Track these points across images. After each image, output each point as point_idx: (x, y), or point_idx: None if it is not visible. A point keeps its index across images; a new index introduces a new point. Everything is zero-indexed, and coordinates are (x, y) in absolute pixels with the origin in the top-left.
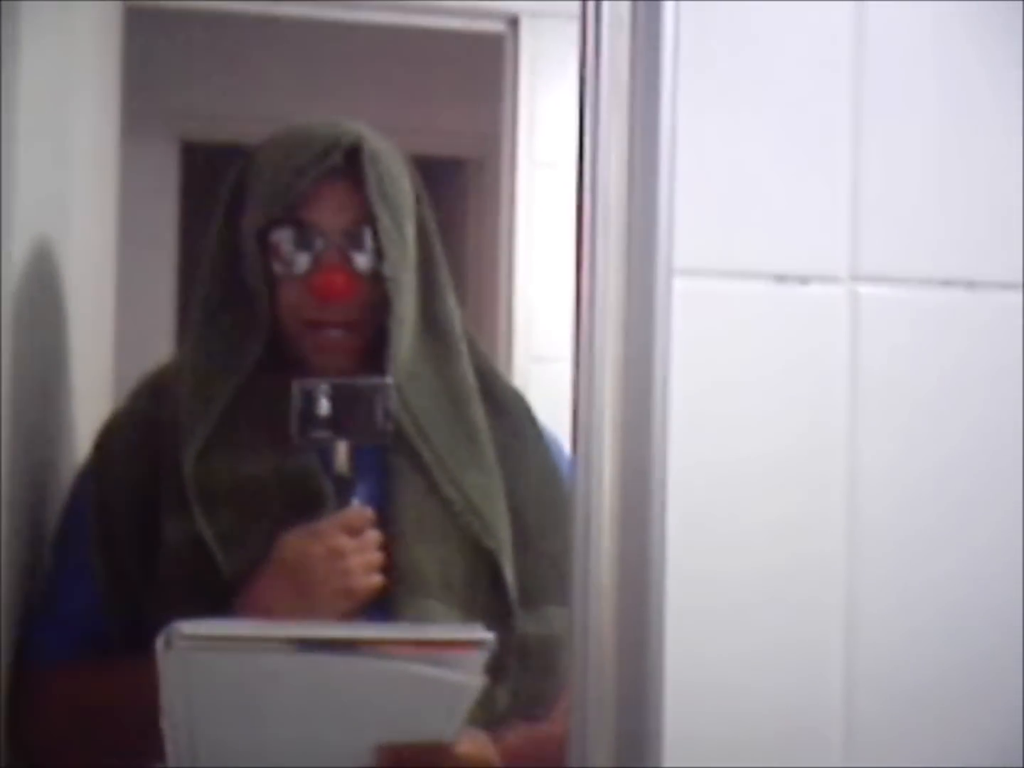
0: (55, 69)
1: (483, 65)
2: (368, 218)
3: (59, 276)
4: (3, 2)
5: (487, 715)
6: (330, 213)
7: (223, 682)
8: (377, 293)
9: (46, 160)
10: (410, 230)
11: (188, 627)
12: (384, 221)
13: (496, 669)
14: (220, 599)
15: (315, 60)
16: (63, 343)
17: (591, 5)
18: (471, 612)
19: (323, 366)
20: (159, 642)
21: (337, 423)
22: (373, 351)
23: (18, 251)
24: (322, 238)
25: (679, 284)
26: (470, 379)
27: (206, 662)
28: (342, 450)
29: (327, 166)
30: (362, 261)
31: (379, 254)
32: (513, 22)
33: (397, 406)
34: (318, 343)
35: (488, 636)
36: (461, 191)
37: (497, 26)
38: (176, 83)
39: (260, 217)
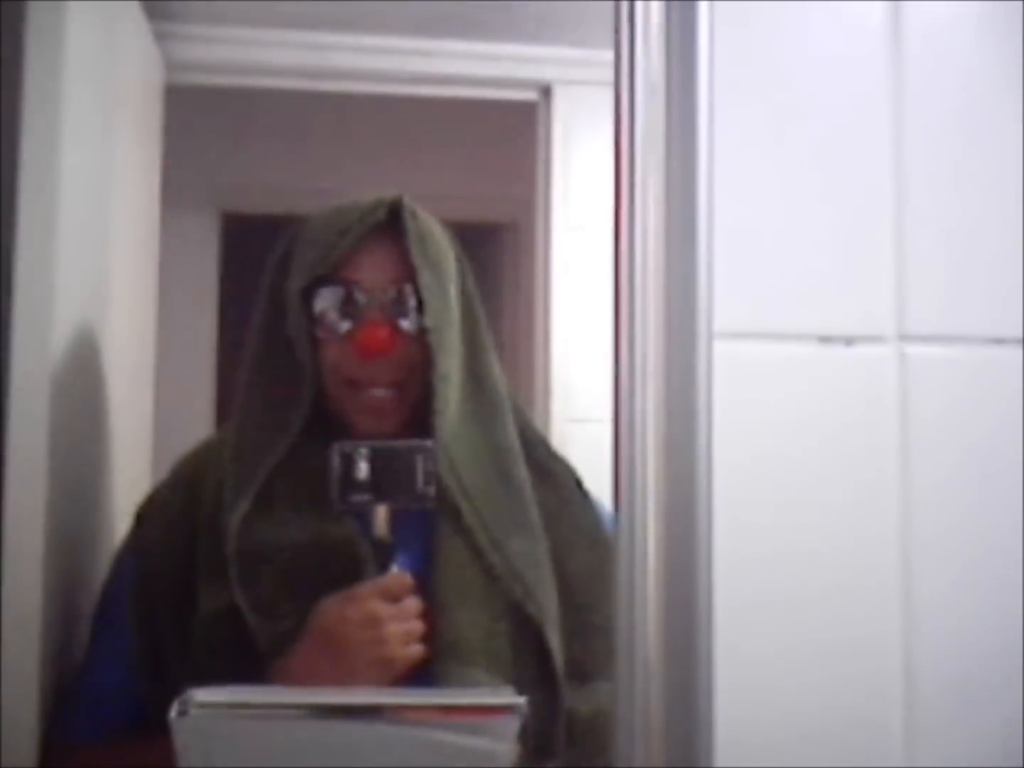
0: (96, 144)
1: (517, 133)
2: (410, 277)
3: (98, 359)
4: (46, 78)
5: None
6: (373, 272)
7: (240, 751)
8: (421, 353)
9: (87, 242)
10: (452, 290)
11: (203, 694)
12: (426, 277)
13: (544, 745)
14: (256, 670)
15: (354, 132)
16: (104, 422)
17: (624, 70)
18: (517, 682)
19: (367, 428)
20: (173, 710)
21: (377, 487)
22: (418, 413)
23: (60, 333)
24: (365, 297)
25: (720, 347)
26: (515, 442)
27: (222, 731)
28: (381, 514)
29: (370, 223)
30: (405, 323)
31: (421, 310)
32: (546, 91)
33: (443, 467)
34: (362, 403)
35: (519, 700)
36: (497, 256)
37: (530, 95)
38: (216, 156)
39: (305, 276)
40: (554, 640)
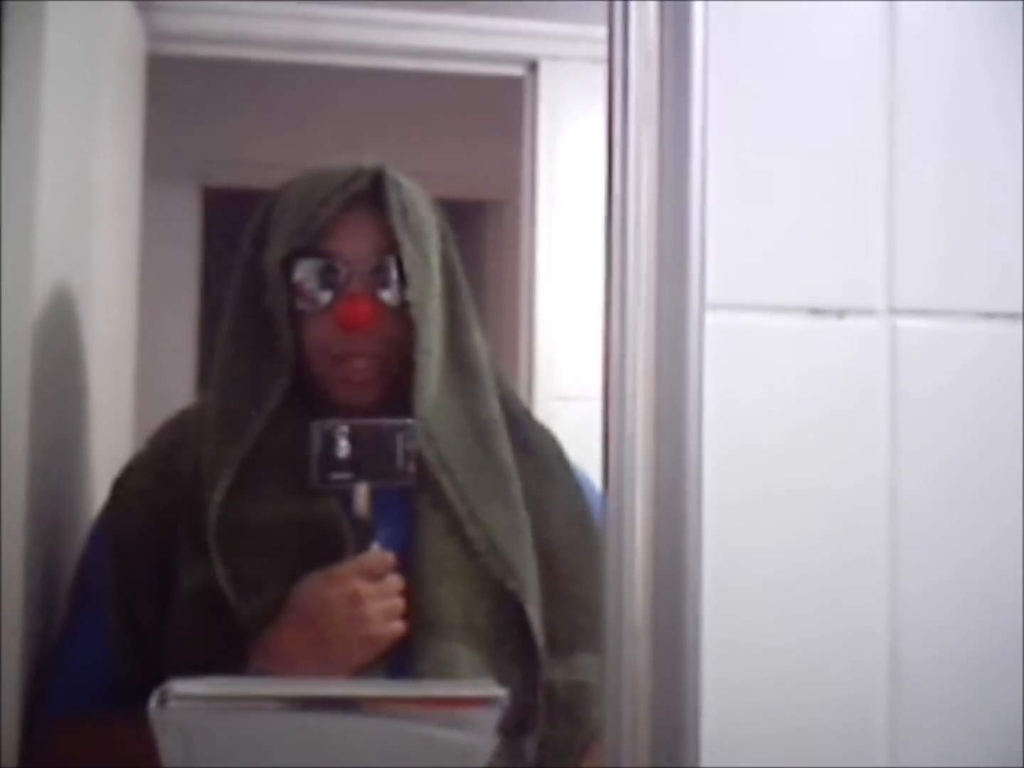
0: (77, 114)
1: (503, 109)
2: (392, 249)
3: (79, 324)
4: (27, 48)
5: (517, 765)
6: (354, 242)
7: (220, 742)
8: (403, 326)
9: (68, 206)
10: (435, 262)
11: (182, 686)
12: (408, 248)
13: (522, 718)
14: (236, 648)
15: (335, 105)
16: (83, 392)
17: (618, 41)
18: (497, 656)
19: (348, 403)
20: (152, 701)
21: (357, 465)
22: (399, 385)
23: (39, 298)
24: (346, 268)
25: (712, 319)
26: (497, 416)
27: (201, 722)
28: (362, 493)
29: (351, 192)
30: (387, 294)
31: (403, 282)
32: (532, 66)
33: (423, 442)
34: (342, 376)
35: (500, 692)
36: (482, 232)
37: (516, 70)
38: (197, 128)
39: (284, 247)
40: (534, 615)
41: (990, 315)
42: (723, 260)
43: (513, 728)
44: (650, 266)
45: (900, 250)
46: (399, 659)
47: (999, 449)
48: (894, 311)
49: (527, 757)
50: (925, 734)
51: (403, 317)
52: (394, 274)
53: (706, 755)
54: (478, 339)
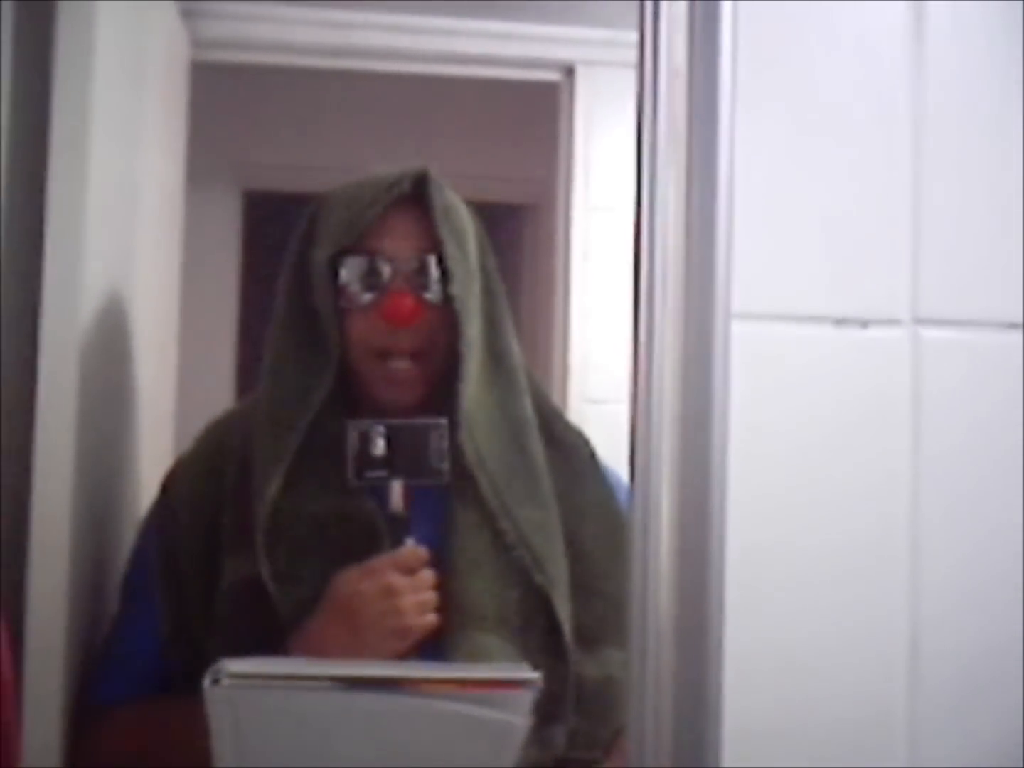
0: (124, 119)
1: (540, 113)
2: (434, 249)
3: (125, 325)
4: (78, 53)
5: (544, 755)
6: (398, 242)
7: (270, 719)
8: (443, 324)
9: (114, 209)
10: (474, 263)
11: (235, 665)
12: (450, 246)
13: (552, 709)
14: (277, 638)
15: (376, 111)
16: (129, 391)
17: (648, 53)
18: (527, 648)
19: (391, 400)
20: (206, 680)
21: (392, 463)
22: (439, 385)
23: (86, 300)
24: (390, 267)
25: (737, 328)
26: (530, 415)
27: (252, 700)
28: (396, 489)
29: (395, 194)
30: (428, 293)
31: (446, 279)
32: (569, 71)
33: (463, 435)
34: (386, 374)
35: (534, 676)
36: (517, 236)
37: (553, 75)
38: (239, 134)
39: (331, 246)
40: (562, 608)
41: (1012, 325)
42: (749, 270)
43: (543, 717)
44: (677, 275)
45: (924, 261)
46: (431, 650)
47: (1017, 455)
48: (918, 321)
49: (556, 746)
50: (945, 732)
51: (445, 316)
52: (435, 273)
53: (727, 753)
54: (513, 341)
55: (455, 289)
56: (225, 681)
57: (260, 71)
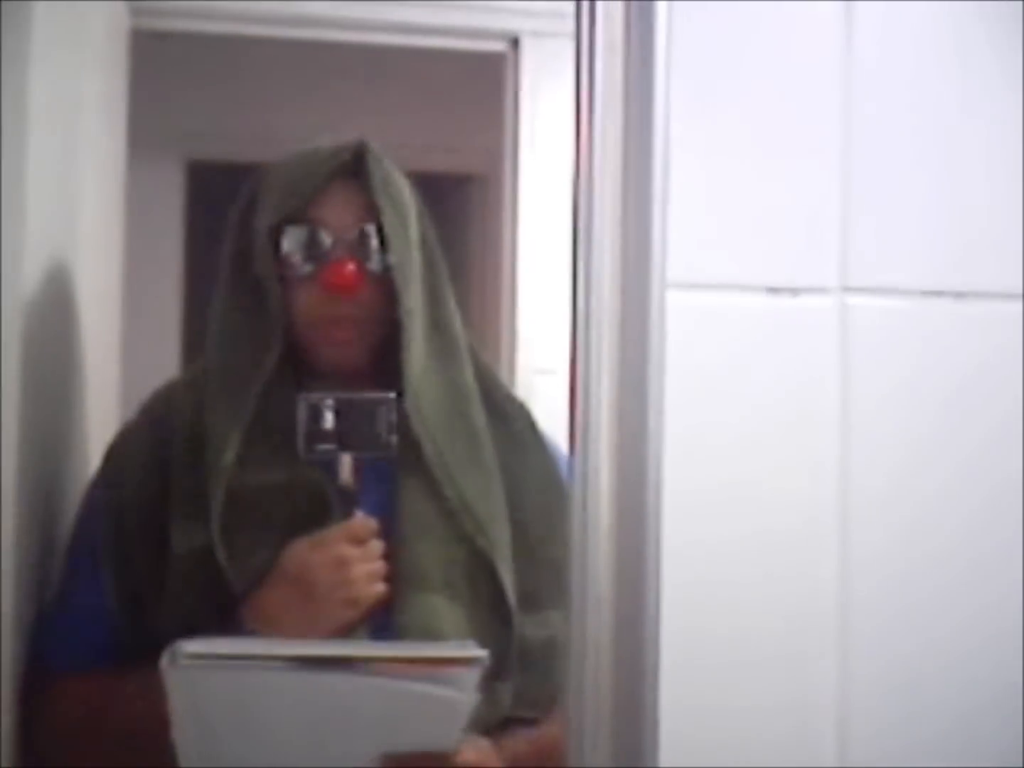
0: (63, 90)
1: (485, 84)
2: (373, 218)
3: (69, 295)
4: (13, 23)
5: (493, 711)
6: (338, 211)
7: (227, 698)
8: (385, 294)
9: (56, 180)
10: (414, 234)
11: (191, 646)
12: (388, 215)
13: (498, 667)
14: (228, 608)
15: (320, 80)
16: (74, 361)
17: (585, 29)
18: (473, 609)
19: (334, 367)
20: (164, 660)
21: (341, 437)
22: (382, 354)
23: (29, 271)
24: (331, 237)
25: (673, 297)
26: (472, 384)
27: (209, 679)
28: (346, 463)
29: (335, 165)
30: (369, 263)
31: (385, 249)
32: (514, 42)
33: (409, 403)
34: (329, 344)
35: (481, 653)
36: (464, 206)
37: (498, 46)
38: (181, 103)
39: (272, 216)
40: (505, 571)
41: (937, 293)
42: (684, 240)
43: (490, 674)
44: (614, 246)
45: (853, 231)
46: (382, 613)
47: (944, 420)
48: (846, 289)
49: (503, 703)
50: (873, 723)
51: (385, 285)
52: (375, 243)
53: (664, 713)
54: (455, 312)
55: (394, 258)
56: (182, 661)
57: (202, 40)
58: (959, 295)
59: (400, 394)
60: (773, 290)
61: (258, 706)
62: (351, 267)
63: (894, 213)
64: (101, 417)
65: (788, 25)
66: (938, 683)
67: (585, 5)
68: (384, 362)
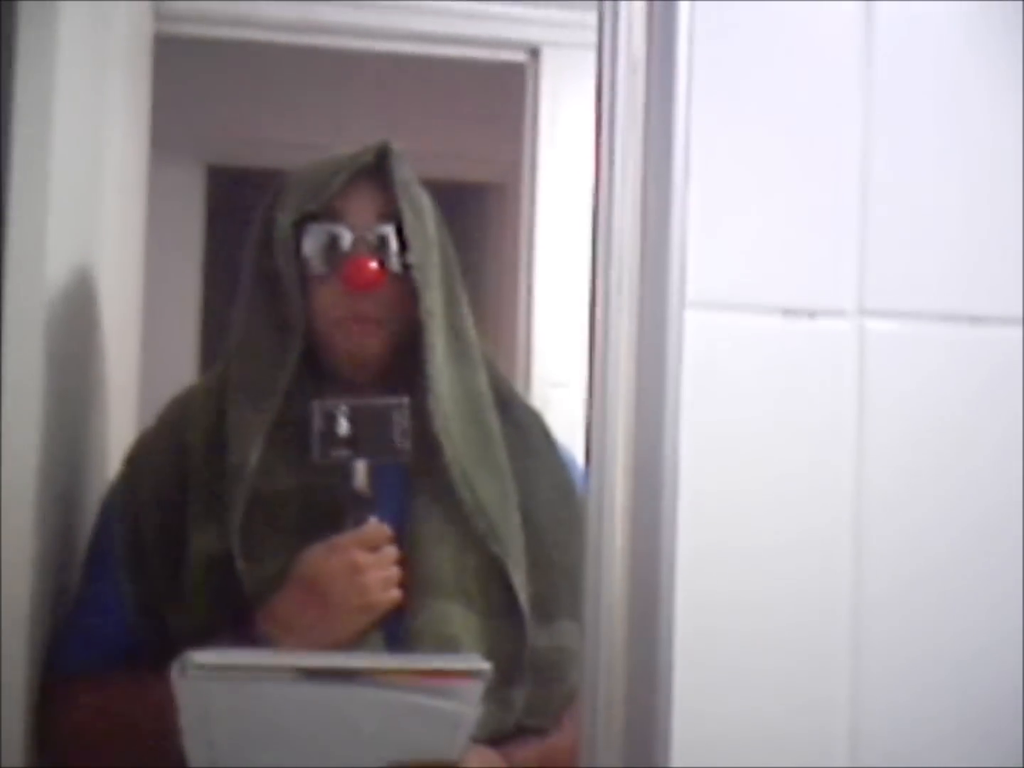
0: (88, 92)
1: (505, 94)
2: (394, 219)
3: (93, 301)
4: (38, 26)
5: (506, 715)
6: (359, 211)
7: (236, 708)
8: (404, 294)
9: (78, 183)
10: (432, 237)
11: (201, 656)
12: (409, 216)
13: (511, 674)
14: (243, 613)
15: (341, 88)
16: (95, 366)
17: (607, 47)
18: (485, 615)
19: (352, 372)
20: (174, 670)
21: (356, 443)
22: (405, 356)
23: (51, 274)
24: (352, 235)
25: (690, 316)
26: (487, 390)
27: (219, 690)
28: (360, 469)
29: (358, 165)
30: (389, 262)
31: (404, 249)
32: (534, 52)
33: (430, 402)
34: (350, 344)
35: (485, 667)
36: (482, 216)
37: (519, 56)
38: (203, 108)
39: (294, 212)
40: (517, 576)
41: (953, 318)
42: (702, 260)
43: (503, 681)
44: (633, 265)
45: (870, 254)
46: (395, 618)
47: (959, 445)
48: (863, 312)
49: (516, 707)
50: (886, 725)
51: (404, 285)
52: (395, 245)
53: (677, 723)
54: (469, 318)
55: (414, 258)
56: (191, 672)
57: (225, 46)
58: (975, 319)
59: (417, 396)
60: (791, 312)
61: (265, 716)
62: (372, 264)
63: (912, 236)
64: (120, 423)
65: (808, 45)
66: (950, 685)
67: (607, 23)
68: (401, 367)
